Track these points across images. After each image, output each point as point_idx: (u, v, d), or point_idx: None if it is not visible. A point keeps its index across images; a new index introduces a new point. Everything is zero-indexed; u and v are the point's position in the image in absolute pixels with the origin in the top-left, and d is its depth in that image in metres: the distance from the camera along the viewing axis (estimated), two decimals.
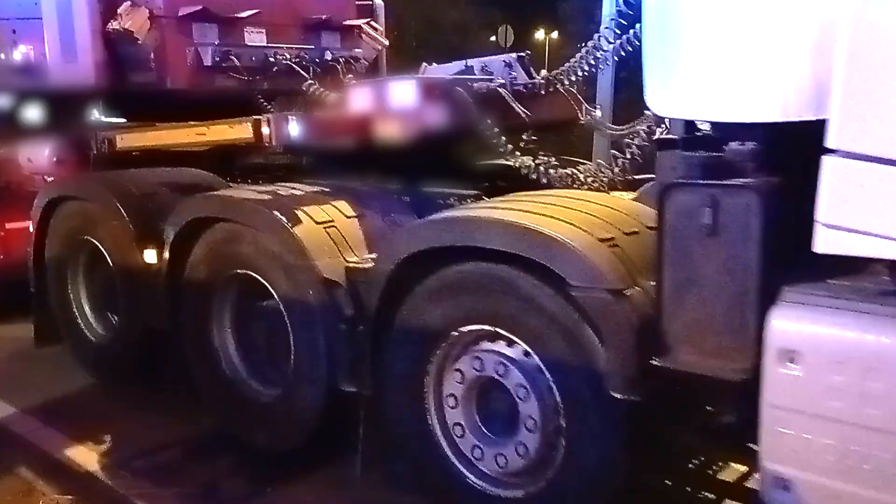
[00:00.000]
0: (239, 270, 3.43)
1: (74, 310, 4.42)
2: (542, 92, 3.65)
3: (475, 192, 3.45)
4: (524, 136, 3.49)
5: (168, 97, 4.40)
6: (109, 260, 4.11)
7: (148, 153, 4.43)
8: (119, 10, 4.17)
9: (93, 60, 4.18)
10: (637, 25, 3.13)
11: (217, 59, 4.38)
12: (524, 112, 3.45)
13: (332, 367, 3.08)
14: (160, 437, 3.61)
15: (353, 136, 3.26)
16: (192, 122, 3.68)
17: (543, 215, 2.43)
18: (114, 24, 4.16)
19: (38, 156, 4.98)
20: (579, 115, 3.91)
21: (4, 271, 5.05)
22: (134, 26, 4.16)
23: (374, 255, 3.04)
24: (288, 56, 4.60)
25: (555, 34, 36.73)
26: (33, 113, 5.00)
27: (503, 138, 3.28)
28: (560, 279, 2.29)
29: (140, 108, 4.48)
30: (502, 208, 2.59)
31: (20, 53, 4.43)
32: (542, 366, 2.43)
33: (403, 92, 3.25)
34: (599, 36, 3.22)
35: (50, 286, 4.52)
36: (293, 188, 3.39)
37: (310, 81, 4.34)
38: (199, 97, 4.44)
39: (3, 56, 4.47)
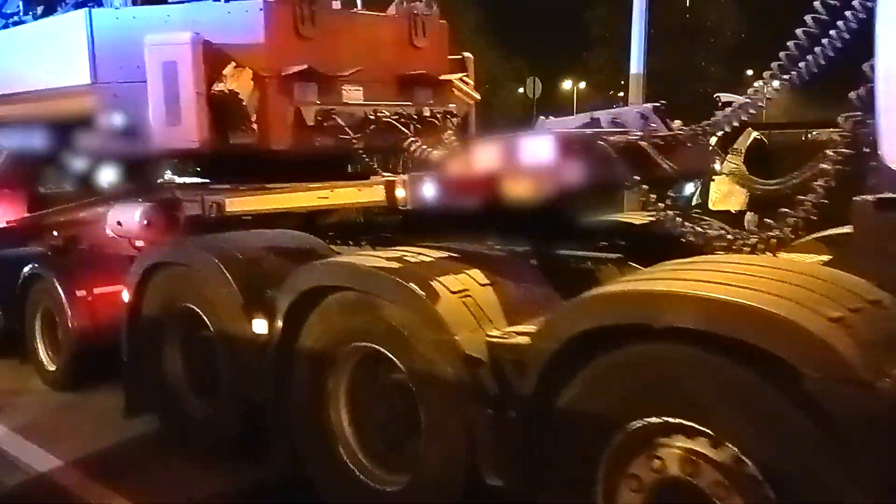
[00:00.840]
0: (361, 343, 3.17)
1: (170, 380, 4.21)
2: (682, 144, 3.37)
3: (616, 255, 3.16)
4: (670, 193, 3.19)
5: (270, 158, 4.27)
6: (212, 329, 3.89)
7: (239, 215, 4.28)
8: (224, 72, 4.08)
9: (197, 123, 4.07)
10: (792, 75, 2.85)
11: (319, 118, 4.24)
12: (669, 166, 3.16)
13: (473, 456, 2.75)
14: (212, 491, 3.52)
15: (488, 195, 3.01)
16: (312, 185, 3.49)
17: (751, 289, 2.11)
18: (219, 86, 4.06)
19: (129, 219, 4.86)
20: (717, 167, 3.62)
21: (91, 337, 4.89)
22: (239, 87, 4.05)
23: (524, 330, 2.74)
24: (387, 113, 4.45)
25: (582, 84, 37.03)
26: (131, 176, 4.95)
27: (652, 195, 2.99)
28: (785, 367, 1.94)
29: (242, 170, 4.35)
30: (690, 280, 2.28)
31: (121, 117, 4.34)
32: (757, 474, 2.05)
33: (541, 147, 3.00)
34: (757, 90, 2.93)
35: (144, 355, 4.32)
36: (420, 254, 3.14)
37: (412, 139, 4.17)
38: (300, 157, 4.30)
39: (104, 120, 4.39)
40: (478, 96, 5.20)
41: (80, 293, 4.89)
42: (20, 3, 5.69)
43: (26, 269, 5.20)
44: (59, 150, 5.33)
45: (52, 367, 5.14)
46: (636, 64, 11.88)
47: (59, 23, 4.62)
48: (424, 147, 4.01)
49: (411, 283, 2.85)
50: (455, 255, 3.19)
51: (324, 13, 4.33)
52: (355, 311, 3.15)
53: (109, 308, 4.92)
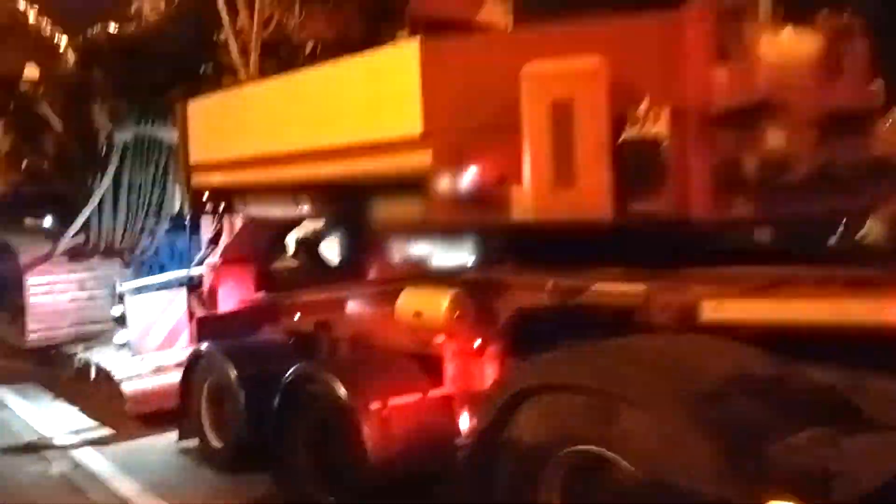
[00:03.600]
0: None
1: None
2: None
3: None
4: None
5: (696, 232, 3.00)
6: (645, 490, 2.56)
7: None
8: (637, 112, 2.87)
9: (599, 184, 2.87)
10: None
11: (766, 173, 2.95)
12: None
13: None
14: None
15: None
16: None
17: None
18: (631, 132, 2.86)
19: (433, 308, 3.72)
20: None
21: (390, 464, 3.70)
22: (660, 133, 2.83)
23: None
24: (843, 162, 3.11)
25: None
26: (434, 250, 3.85)
27: None
28: None
29: (646, 249, 3.10)
30: None
31: (463, 176, 3.22)
32: None
33: None
34: None
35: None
36: None
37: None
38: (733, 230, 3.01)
39: (439, 181, 3.28)
40: None
41: (374, 405, 3.72)
42: None
43: (292, 370, 4.12)
44: (326, 217, 4.37)
45: (328, 499, 3.97)
46: None
47: (373, 60, 3.61)
48: None
49: None
50: None
51: (750, 27, 3.08)
52: None
53: (408, 425, 3.77)
